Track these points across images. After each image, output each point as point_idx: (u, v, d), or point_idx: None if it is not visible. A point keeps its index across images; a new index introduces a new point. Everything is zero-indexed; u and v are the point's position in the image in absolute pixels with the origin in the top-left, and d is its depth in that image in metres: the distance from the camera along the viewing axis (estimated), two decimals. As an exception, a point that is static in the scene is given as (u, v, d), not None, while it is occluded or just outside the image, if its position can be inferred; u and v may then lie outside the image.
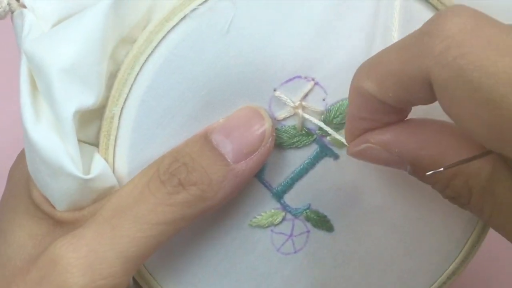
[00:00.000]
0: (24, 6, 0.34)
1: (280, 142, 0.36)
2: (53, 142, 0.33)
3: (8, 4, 0.34)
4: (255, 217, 0.37)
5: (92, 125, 0.36)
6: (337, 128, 0.36)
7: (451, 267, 0.39)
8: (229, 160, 0.34)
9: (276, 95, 0.35)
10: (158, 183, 0.33)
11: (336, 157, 0.37)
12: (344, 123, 0.36)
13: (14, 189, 0.37)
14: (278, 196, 0.37)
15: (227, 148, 0.34)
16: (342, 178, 0.37)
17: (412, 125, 0.32)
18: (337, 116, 0.36)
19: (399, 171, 0.34)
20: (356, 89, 0.31)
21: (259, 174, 0.37)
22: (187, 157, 0.34)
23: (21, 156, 0.39)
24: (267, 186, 0.37)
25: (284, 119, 0.36)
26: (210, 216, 0.37)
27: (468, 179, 0.31)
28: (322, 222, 0.38)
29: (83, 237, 0.32)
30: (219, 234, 0.37)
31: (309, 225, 0.38)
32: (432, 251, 0.39)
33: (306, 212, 0.38)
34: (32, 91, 0.34)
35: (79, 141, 0.35)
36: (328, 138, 0.36)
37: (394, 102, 0.30)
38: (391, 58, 0.29)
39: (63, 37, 0.33)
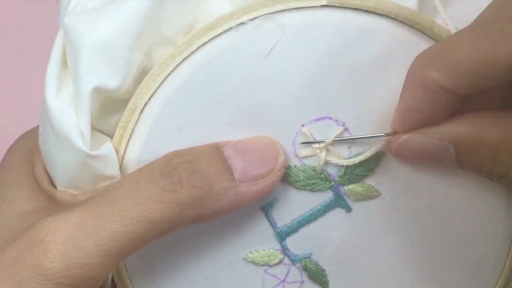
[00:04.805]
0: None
1: (296, 181, 0.35)
2: (67, 114, 0.33)
3: None
4: (251, 252, 0.35)
5: (113, 117, 0.35)
6: (355, 179, 0.35)
7: None
8: (235, 176, 0.32)
9: (303, 130, 0.34)
10: (156, 175, 0.32)
11: (348, 209, 0.35)
12: (365, 175, 0.34)
13: (11, 165, 0.37)
14: (281, 237, 0.35)
15: (237, 164, 0.33)
16: (350, 233, 0.35)
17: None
18: (360, 167, 0.34)
19: (411, 235, 0.33)
20: (420, 81, 0.30)
21: (266, 209, 0.35)
22: (194, 156, 0.32)
23: (22, 136, 0.38)
24: (272, 224, 0.35)
25: (305, 157, 0.35)
26: (208, 238, 0.35)
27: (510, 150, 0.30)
28: (318, 276, 0.36)
29: (65, 222, 0.31)
30: (212, 260, 0.36)
31: (304, 275, 0.36)
32: None
33: (305, 261, 0.35)
34: (60, 64, 0.34)
35: (97, 129, 0.34)
36: (346, 188, 0.35)
37: (466, 90, 0.30)
38: (466, 48, 0.29)
39: (102, 15, 0.33)
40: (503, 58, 0.28)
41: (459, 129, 0.31)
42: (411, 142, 0.33)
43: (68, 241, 0.30)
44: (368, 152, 0.34)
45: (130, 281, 0.36)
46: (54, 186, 0.35)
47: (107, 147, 0.34)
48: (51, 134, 0.33)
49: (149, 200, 0.31)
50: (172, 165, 0.32)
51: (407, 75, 0.32)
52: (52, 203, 0.34)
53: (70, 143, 0.33)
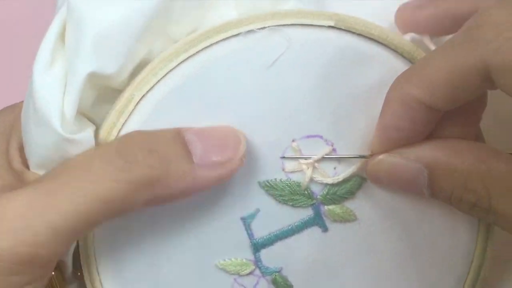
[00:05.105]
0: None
1: (280, 195, 0.35)
2: (52, 92, 0.32)
3: None
4: (224, 260, 0.35)
5: (101, 105, 0.34)
6: (337, 200, 0.35)
7: None
8: (194, 160, 0.32)
9: (292, 145, 0.35)
10: (112, 153, 0.31)
11: (325, 229, 0.35)
12: (346, 197, 0.35)
13: None
14: (256, 248, 0.35)
15: (197, 149, 0.32)
16: (323, 252, 0.35)
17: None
18: (342, 189, 0.35)
19: (382, 260, 0.35)
20: (399, 98, 0.31)
21: (246, 219, 0.35)
22: (153, 137, 0.32)
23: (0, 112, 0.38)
24: (249, 234, 0.35)
25: (292, 172, 0.35)
26: (182, 241, 0.35)
27: (484, 178, 0.31)
28: None
29: (16, 200, 0.30)
30: (184, 263, 0.35)
31: (273, 288, 0.36)
32: None
33: (275, 275, 0.36)
34: (56, 40, 0.33)
35: (85, 115, 0.34)
36: (326, 207, 0.35)
37: (443, 104, 0.30)
38: (440, 60, 0.30)
39: (112, 0, 0.32)
40: (473, 64, 0.29)
41: (434, 153, 0.32)
42: (386, 162, 0.33)
43: (16, 218, 0.30)
44: (349, 171, 0.35)
45: (98, 273, 0.35)
46: (27, 167, 0.34)
47: (86, 133, 0.33)
48: (31, 109, 0.32)
49: (102, 178, 0.30)
50: (130, 144, 0.31)
51: (387, 94, 0.32)
52: (20, 183, 0.33)
53: (48, 121, 0.32)
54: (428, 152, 0.32)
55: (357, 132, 0.35)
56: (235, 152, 0.33)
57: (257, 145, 0.34)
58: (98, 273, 0.35)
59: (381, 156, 0.33)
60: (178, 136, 0.32)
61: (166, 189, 0.31)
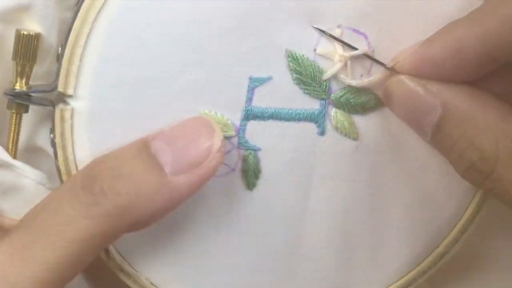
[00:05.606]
0: None
1: (299, 72, 0.31)
2: None
3: None
4: (210, 111, 0.31)
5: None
6: (347, 107, 0.32)
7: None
8: (166, 171, 0.29)
9: (336, 29, 0.31)
10: (78, 189, 0.28)
11: (322, 132, 0.32)
12: (357, 110, 0.32)
13: None
14: (247, 115, 0.32)
15: (167, 158, 0.29)
16: (307, 155, 0.32)
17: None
18: (357, 99, 0.32)
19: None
20: (459, 37, 0.29)
21: (254, 81, 0.31)
22: (115, 160, 0.29)
23: None
24: (248, 98, 0.32)
25: (321, 56, 0.32)
26: (181, 69, 0.31)
27: (499, 138, 0.28)
28: (251, 175, 0.32)
29: None
30: (171, 92, 0.31)
31: (239, 165, 0.32)
32: None
33: (250, 153, 0.32)
34: None
35: None
36: (334, 110, 0.32)
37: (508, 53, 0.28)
38: None
39: None
40: None
41: (456, 94, 0.30)
42: (405, 84, 0.31)
43: (1, 279, 0.27)
44: (372, 78, 0.32)
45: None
46: None
47: None
48: None
49: (74, 218, 0.28)
50: (93, 176, 0.28)
51: (448, 25, 0.30)
52: None
53: None
54: (451, 92, 0.30)
55: (403, 40, 0.32)
56: (210, 147, 0.29)
57: (297, 11, 0.31)
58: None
59: (403, 76, 0.31)
60: (143, 149, 0.29)
61: (143, 211, 0.28)
